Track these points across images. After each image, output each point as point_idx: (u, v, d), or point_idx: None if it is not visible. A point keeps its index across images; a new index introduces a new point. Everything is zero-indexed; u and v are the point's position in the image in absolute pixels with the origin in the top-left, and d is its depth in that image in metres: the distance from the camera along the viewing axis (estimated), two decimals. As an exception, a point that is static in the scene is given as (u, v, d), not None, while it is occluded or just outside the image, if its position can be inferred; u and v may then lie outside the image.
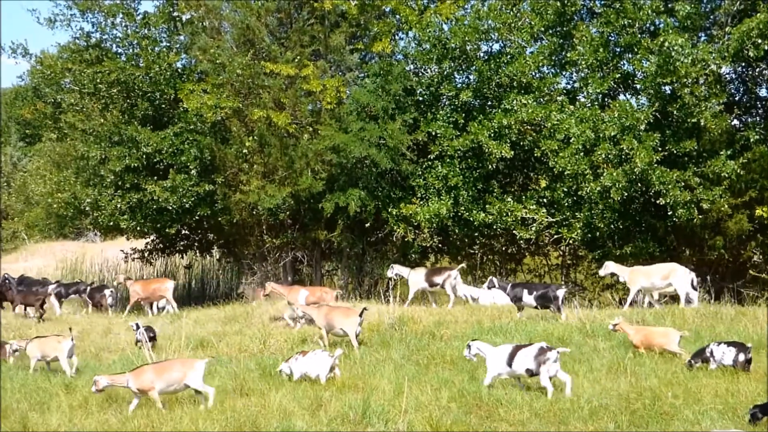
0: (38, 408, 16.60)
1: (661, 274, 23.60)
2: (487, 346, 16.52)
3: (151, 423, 15.12)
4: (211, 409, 15.49)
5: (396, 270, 26.71)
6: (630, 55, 28.19)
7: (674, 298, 24.23)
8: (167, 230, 31.41)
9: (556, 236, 28.92)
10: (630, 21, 27.26)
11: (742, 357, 16.06)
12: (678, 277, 23.24)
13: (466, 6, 30.88)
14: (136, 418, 15.39)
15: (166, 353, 18.87)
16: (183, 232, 34.09)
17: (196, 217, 30.61)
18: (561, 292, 22.09)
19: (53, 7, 30.18)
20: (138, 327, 21.89)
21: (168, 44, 31.72)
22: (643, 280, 23.67)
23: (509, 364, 15.81)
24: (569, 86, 30.31)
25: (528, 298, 22.16)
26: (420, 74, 30.49)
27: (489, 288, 23.35)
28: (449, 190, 28.59)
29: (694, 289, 23.26)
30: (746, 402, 14.21)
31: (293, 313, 23.03)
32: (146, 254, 34.13)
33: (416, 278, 25.77)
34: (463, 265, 27.86)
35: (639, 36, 27.34)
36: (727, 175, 25.65)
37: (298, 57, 29.46)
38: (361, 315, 20.01)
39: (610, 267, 24.65)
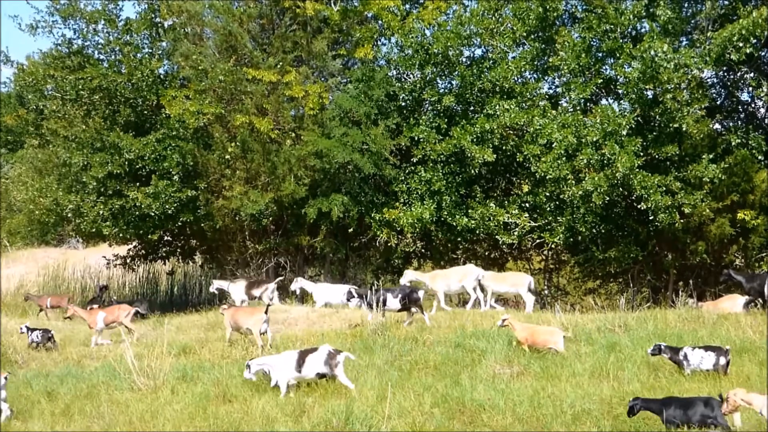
0: (20, 416, 16.55)
1: (457, 277, 25.09)
2: (267, 358, 17.29)
3: (134, 429, 15.09)
4: (194, 415, 15.46)
5: (216, 285, 28.07)
6: (612, 60, 28.26)
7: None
8: (150, 236, 31.40)
9: (538, 241, 29.03)
10: (612, 26, 27.34)
11: (722, 360, 16.14)
12: (469, 279, 24.88)
13: (448, 11, 30.94)
14: (118, 425, 15.36)
15: (147, 360, 18.78)
16: (165, 238, 34.07)
17: (179, 223, 30.51)
18: (421, 293, 22.78)
19: (35, 13, 29.95)
20: (29, 330, 22.31)
21: (150, 51, 31.65)
22: (443, 283, 24.89)
23: (298, 370, 16.62)
24: (551, 91, 30.44)
25: (393, 302, 22.55)
26: (402, 80, 30.50)
27: (348, 300, 23.31)
28: (432, 195, 28.62)
29: (532, 293, 24.96)
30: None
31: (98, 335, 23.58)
32: (128, 260, 34.03)
33: (236, 290, 27.18)
34: (281, 278, 28.72)
35: (621, 41, 27.40)
36: (708, 180, 25.73)
37: (281, 63, 29.49)
38: (266, 313, 20.69)
39: (408, 275, 25.88)
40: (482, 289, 25.18)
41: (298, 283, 27.06)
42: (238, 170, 29.14)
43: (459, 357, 18.59)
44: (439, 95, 29.13)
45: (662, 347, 16.69)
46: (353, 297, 23.13)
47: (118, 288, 36.82)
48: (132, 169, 29.26)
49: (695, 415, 13.26)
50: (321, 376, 16.58)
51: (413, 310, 22.58)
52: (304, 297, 27.92)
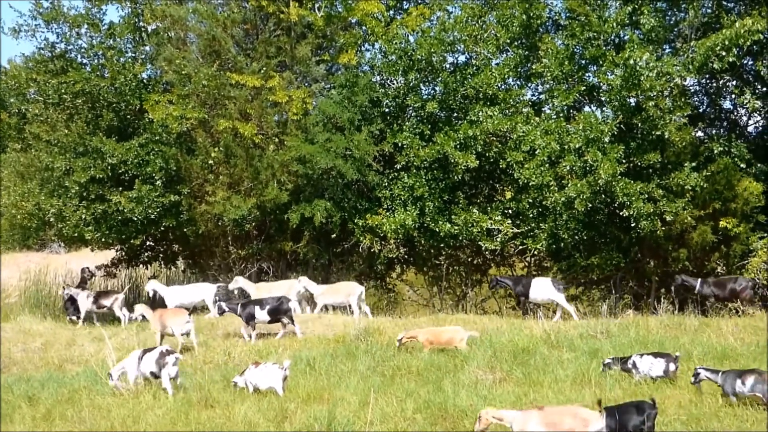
0: (2, 420, 16.47)
1: (282, 290, 25.68)
2: (122, 362, 17.89)
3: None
4: (176, 420, 15.42)
5: (69, 291, 28.56)
6: (595, 68, 28.33)
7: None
8: (132, 241, 31.29)
9: (521, 247, 29.04)
10: (595, 34, 27.37)
11: (672, 366, 16.38)
12: (292, 292, 25.68)
13: (432, 18, 30.99)
14: (100, 429, 15.31)
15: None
16: (148, 243, 33.93)
17: (162, 228, 30.47)
18: (293, 305, 23.15)
19: (17, 17, 29.76)
20: None
21: (133, 55, 31.56)
22: (266, 294, 24.95)
23: (139, 367, 17.40)
24: (535, 98, 30.40)
25: (261, 314, 22.66)
26: (386, 85, 30.51)
27: (220, 314, 23.15)
28: (415, 201, 28.63)
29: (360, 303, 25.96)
30: (709, 413, 14.34)
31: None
32: (109, 267, 33.94)
33: (83, 299, 27.77)
34: (127, 289, 29.94)
35: (604, 48, 27.43)
36: (690, 187, 25.78)
37: (264, 68, 29.46)
38: (189, 315, 21.47)
39: (239, 282, 26.86)
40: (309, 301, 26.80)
41: (151, 286, 27.11)
42: (221, 175, 29.08)
43: (442, 363, 18.60)
44: (422, 101, 29.17)
45: (610, 364, 16.88)
46: (224, 311, 22.89)
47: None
48: (115, 173, 29.17)
49: (629, 421, 13.28)
50: (154, 375, 17.29)
51: (284, 320, 22.78)
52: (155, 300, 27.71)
